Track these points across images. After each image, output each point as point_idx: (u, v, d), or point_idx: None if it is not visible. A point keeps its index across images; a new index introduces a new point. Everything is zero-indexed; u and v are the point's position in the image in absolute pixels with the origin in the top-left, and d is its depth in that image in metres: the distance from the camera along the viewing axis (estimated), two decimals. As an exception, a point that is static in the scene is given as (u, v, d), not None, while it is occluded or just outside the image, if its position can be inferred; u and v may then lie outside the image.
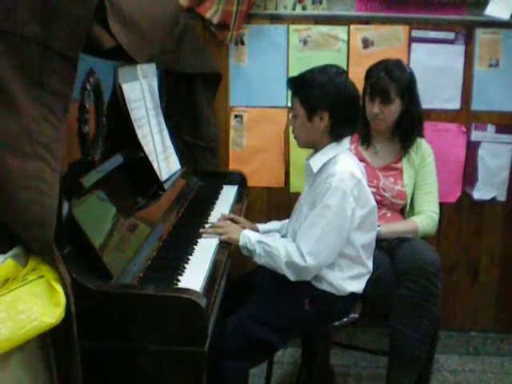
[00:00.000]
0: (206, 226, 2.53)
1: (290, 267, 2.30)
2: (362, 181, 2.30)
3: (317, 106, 2.30)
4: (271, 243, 2.35)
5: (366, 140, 2.98)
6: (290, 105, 3.17)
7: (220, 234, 2.42)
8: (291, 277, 2.32)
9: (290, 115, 2.45)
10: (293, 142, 2.55)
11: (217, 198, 2.97)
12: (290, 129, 2.51)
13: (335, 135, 2.36)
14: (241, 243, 2.40)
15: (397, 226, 2.83)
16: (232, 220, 2.66)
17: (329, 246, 2.28)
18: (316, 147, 2.41)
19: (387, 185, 2.87)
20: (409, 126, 2.89)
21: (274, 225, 2.81)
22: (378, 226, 2.73)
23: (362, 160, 2.90)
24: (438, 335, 2.86)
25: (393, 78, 2.78)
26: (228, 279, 2.26)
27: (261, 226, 2.78)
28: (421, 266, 2.57)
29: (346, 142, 2.41)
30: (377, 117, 2.84)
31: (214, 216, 2.70)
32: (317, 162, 2.38)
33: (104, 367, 1.78)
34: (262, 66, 3.31)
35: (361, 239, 2.37)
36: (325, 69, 2.36)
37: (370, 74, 2.87)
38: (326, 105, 2.29)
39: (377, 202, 2.77)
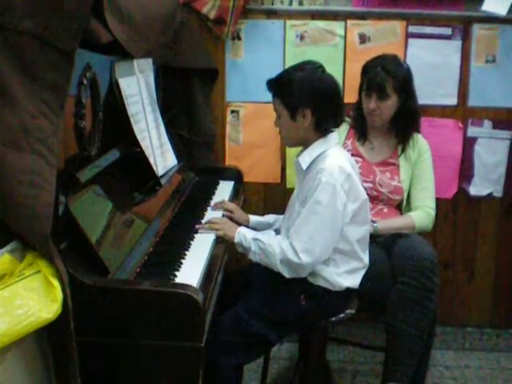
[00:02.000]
0: (203, 221, 2.54)
1: (284, 264, 2.30)
2: (351, 175, 2.30)
3: (298, 105, 2.30)
4: (266, 240, 2.35)
5: (362, 136, 2.98)
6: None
7: (216, 230, 2.42)
8: (286, 274, 2.31)
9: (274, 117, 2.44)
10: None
11: (213, 194, 2.97)
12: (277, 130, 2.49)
13: (321, 130, 2.36)
14: (236, 240, 2.40)
15: (394, 222, 2.84)
16: (223, 207, 2.74)
17: (322, 241, 2.28)
18: (304, 144, 2.41)
19: (384, 180, 2.87)
20: (405, 122, 2.89)
21: (267, 218, 2.81)
22: (375, 222, 2.74)
23: (358, 155, 2.91)
24: (435, 331, 2.87)
25: (389, 73, 2.78)
26: (224, 274, 2.26)
27: (252, 217, 2.80)
28: (418, 262, 2.58)
29: (334, 136, 2.41)
30: (373, 112, 2.83)
31: (211, 211, 2.70)
32: (306, 158, 2.39)
33: (101, 362, 1.78)
34: (258, 61, 3.30)
35: (355, 233, 2.37)
36: (301, 66, 2.37)
37: (366, 69, 2.87)
38: (307, 102, 2.29)
39: (373, 197, 2.79)
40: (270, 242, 2.34)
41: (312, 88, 2.30)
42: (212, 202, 2.83)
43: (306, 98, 2.29)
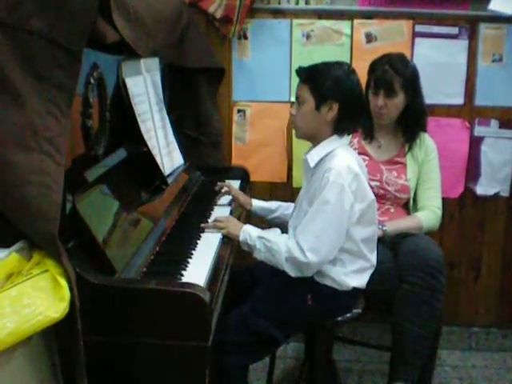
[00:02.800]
0: (209, 220, 2.54)
1: (290, 263, 2.28)
2: (359, 175, 2.29)
3: (328, 96, 2.29)
4: (272, 238, 2.34)
5: (369, 134, 2.97)
6: (293, 99, 3.16)
7: (220, 229, 2.42)
8: (291, 272, 2.30)
9: (293, 104, 2.43)
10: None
11: (219, 193, 2.96)
12: (291, 117, 2.48)
13: (338, 129, 2.35)
14: (241, 238, 2.39)
15: (402, 223, 2.83)
16: (229, 188, 2.83)
17: (329, 241, 2.27)
18: (315, 139, 2.40)
19: (390, 179, 2.87)
20: (412, 121, 2.89)
21: (269, 204, 2.83)
22: (384, 225, 2.73)
23: (364, 154, 2.91)
24: (441, 331, 2.87)
25: (397, 71, 2.78)
26: (231, 273, 2.26)
27: (255, 202, 2.82)
28: (424, 262, 2.58)
29: (346, 138, 2.41)
30: (381, 110, 2.83)
31: (217, 211, 2.70)
32: (314, 156, 2.38)
33: (108, 362, 1.78)
34: (265, 60, 3.31)
35: (361, 234, 2.36)
36: (340, 64, 2.37)
37: (373, 67, 2.87)
38: (338, 96, 2.29)
39: (380, 196, 2.79)
40: (276, 240, 2.33)
41: (346, 86, 2.31)
42: (218, 202, 2.84)
43: (338, 93, 2.29)
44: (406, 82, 2.80)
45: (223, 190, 2.85)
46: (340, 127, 2.34)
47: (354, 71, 2.37)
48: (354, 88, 2.33)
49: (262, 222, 2.81)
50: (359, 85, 2.36)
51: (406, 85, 2.80)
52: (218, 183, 2.90)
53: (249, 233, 2.38)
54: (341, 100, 2.29)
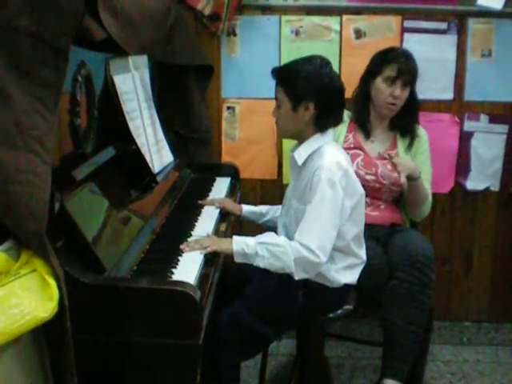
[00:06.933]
0: (199, 217, 2.54)
1: (299, 263, 2.22)
2: (348, 171, 2.29)
3: (302, 97, 2.28)
4: (274, 241, 2.26)
5: (364, 129, 2.97)
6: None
7: (205, 248, 2.19)
8: (297, 274, 2.24)
9: (274, 105, 2.41)
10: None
11: (209, 190, 2.96)
12: (274, 119, 2.45)
13: (319, 126, 2.34)
14: (236, 249, 2.24)
15: (423, 185, 2.89)
16: (212, 202, 2.74)
17: (330, 238, 2.25)
18: (300, 138, 2.39)
19: (385, 172, 2.86)
20: (408, 113, 2.93)
21: (259, 207, 2.81)
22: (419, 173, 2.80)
23: (359, 148, 2.92)
24: (432, 326, 2.87)
25: (414, 63, 2.85)
26: (222, 271, 2.25)
27: (245, 207, 2.80)
28: (414, 257, 2.59)
29: (331, 133, 2.39)
30: (396, 100, 2.85)
31: (207, 208, 2.69)
32: (301, 154, 2.37)
33: (98, 361, 1.77)
34: (254, 57, 3.30)
35: (350, 232, 2.35)
36: (310, 59, 2.34)
37: (387, 58, 2.87)
38: (312, 95, 2.27)
39: (376, 189, 2.84)
40: (278, 241, 2.26)
41: (319, 82, 2.28)
42: (201, 201, 2.79)
43: (312, 91, 2.27)
44: (416, 74, 2.85)
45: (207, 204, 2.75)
46: (321, 124, 2.33)
47: (327, 64, 2.34)
48: (328, 82, 2.30)
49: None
50: (332, 78, 2.33)
51: (415, 77, 2.86)
52: (199, 201, 2.76)
53: (244, 242, 2.27)
54: (315, 98, 2.27)
